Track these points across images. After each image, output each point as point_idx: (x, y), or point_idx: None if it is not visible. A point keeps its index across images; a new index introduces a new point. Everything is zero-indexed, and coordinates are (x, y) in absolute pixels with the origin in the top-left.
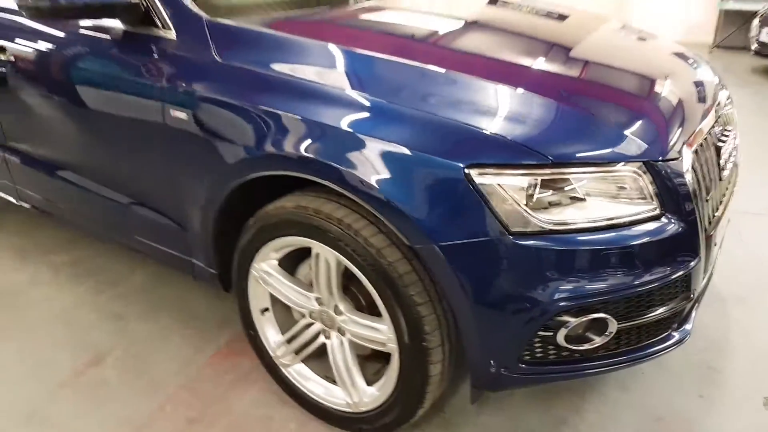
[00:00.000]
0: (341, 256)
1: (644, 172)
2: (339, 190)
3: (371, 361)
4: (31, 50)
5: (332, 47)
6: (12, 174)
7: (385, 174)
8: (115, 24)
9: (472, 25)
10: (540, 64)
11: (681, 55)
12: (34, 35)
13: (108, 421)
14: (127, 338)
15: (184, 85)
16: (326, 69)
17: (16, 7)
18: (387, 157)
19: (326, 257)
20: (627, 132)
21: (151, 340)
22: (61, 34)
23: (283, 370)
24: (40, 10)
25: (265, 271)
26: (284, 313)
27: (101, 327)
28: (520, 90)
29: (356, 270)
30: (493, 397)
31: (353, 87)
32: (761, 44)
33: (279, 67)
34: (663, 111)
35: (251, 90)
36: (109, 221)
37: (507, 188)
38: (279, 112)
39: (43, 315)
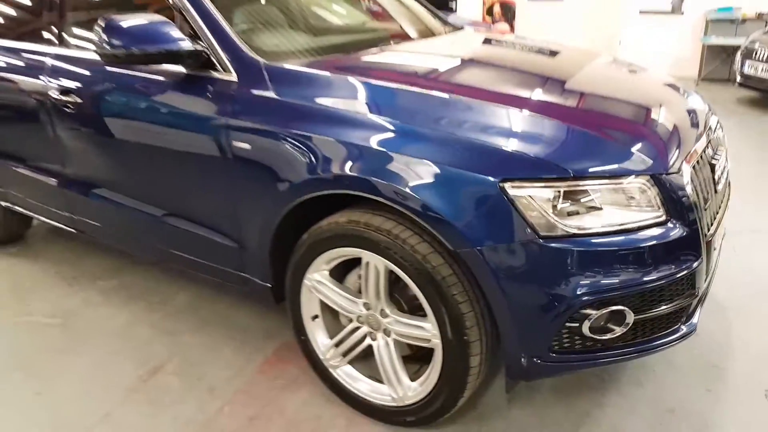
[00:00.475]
0: (390, 263)
1: (652, 185)
2: (389, 205)
3: (409, 363)
4: (94, 92)
5: (370, 82)
6: (69, 203)
7: (432, 189)
8: (178, 69)
9: (482, 62)
10: (551, 93)
11: (671, 86)
12: (96, 78)
13: (177, 420)
14: (183, 350)
15: (246, 119)
16: (369, 102)
17: (78, 55)
18: (433, 175)
19: (376, 265)
20: (634, 150)
21: (205, 351)
22: (124, 77)
23: (332, 371)
24: (117, 57)
25: (317, 280)
26: (332, 320)
27: (157, 341)
28: (540, 114)
29: (403, 274)
30: (523, 394)
31: (393, 116)
32: (745, 76)
33: (329, 102)
34: (663, 133)
35: (306, 121)
36: (166, 243)
37: (535, 198)
38: (331, 139)
39: (101, 332)
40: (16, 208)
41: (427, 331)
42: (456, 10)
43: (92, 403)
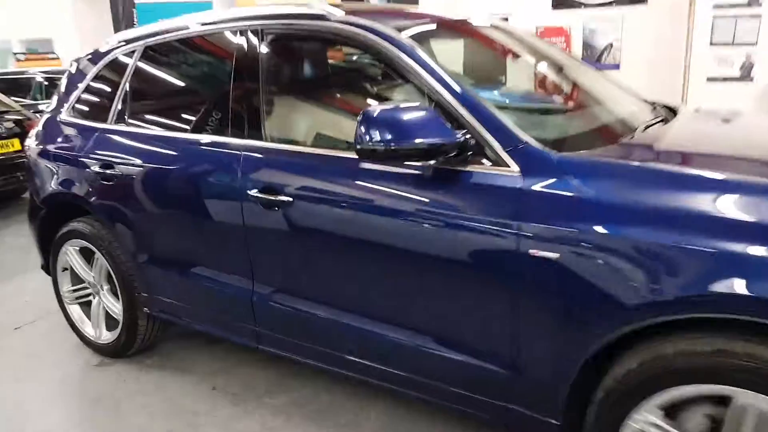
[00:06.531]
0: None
1: None
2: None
3: None
4: (313, 189)
5: (711, 177)
6: (258, 314)
7: None
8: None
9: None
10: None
11: None
12: (315, 173)
13: None
14: None
15: (546, 222)
16: (731, 199)
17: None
18: None
19: (753, 408)
20: None
21: None
22: (357, 171)
23: None
24: (375, 153)
25: (651, 422)
26: None
27: None
28: None
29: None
30: None
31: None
32: None
33: (673, 201)
34: None
35: (647, 226)
36: (395, 365)
37: None
38: (700, 248)
39: None
40: (164, 316)
41: None
42: None
43: None
